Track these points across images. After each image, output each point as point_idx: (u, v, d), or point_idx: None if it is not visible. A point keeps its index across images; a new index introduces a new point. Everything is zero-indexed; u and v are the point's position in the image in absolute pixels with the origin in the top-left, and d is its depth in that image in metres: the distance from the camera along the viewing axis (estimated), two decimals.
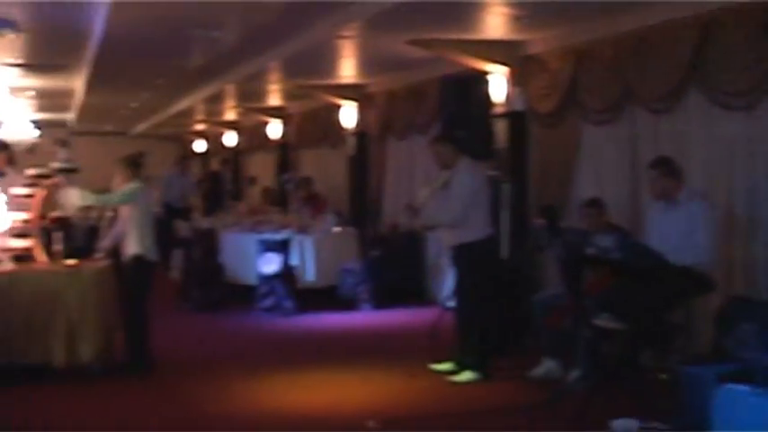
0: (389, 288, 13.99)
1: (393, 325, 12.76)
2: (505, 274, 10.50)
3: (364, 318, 13.31)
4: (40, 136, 27.95)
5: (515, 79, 11.53)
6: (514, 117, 11.55)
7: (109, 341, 9.78)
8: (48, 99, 23.42)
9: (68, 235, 11.03)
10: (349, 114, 16.83)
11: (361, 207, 16.59)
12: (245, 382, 9.50)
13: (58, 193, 10.11)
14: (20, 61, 16.72)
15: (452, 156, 9.41)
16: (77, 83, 19.55)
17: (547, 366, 9.33)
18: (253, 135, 24.74)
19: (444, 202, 9.40)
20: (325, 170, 18.96)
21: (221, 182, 19.77)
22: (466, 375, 9.33)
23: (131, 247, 9.82)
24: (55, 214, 10.27)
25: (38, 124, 27.16)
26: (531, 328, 10.48)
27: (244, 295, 13.85)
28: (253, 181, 21.05)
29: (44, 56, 16.16)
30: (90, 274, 9.72)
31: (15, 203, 10.22)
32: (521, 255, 11.03)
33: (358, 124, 16.67)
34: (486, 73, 11.59)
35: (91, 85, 17.98)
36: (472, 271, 9.38)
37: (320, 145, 19.10)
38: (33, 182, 10.30)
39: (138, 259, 9.83)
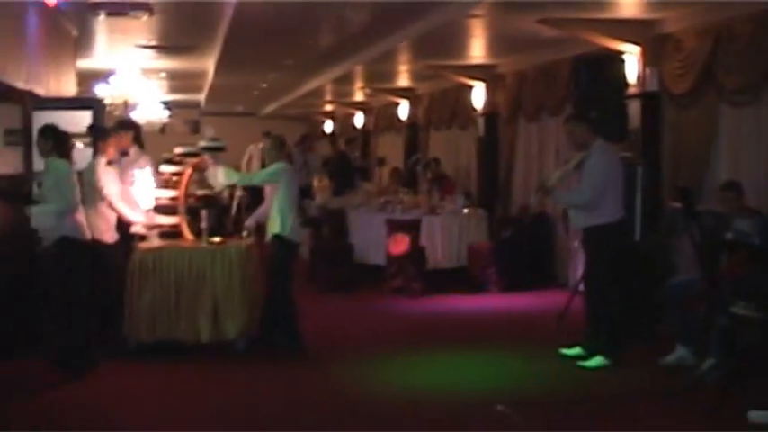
0: (518, 270, 13.83)
1: (521, 308, 12.60)
2: (638, 258, 10.24)
3: (493, 300, 13.14)
4: (171, 117, 28.44)
5: (649, 59, 11.27)
6: (648, 98, 11.30)
7: (252, 319, 9.85)
8: (179, 80, 23.81)
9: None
10: (478, 95, 16.68)
11: (490, 188, 16.44)
12: (380, 363, 9.52)
13: (206, 172, 10.16)
14: (153, 43, 17.01)
15: (587, 136, 9.22)
16: (208, 64, 19.80)
17: (679, 354, 9.10)
18: (381, 116, 24.74)
19: (577, 184, 9.24)
20: (454, 151, 18.87)
21: (348, 162, 19.74)
22: (596, 361, 9.15)
23: (274, 227, 9.88)
24: (201, 192, 10.36)
25: (169, 105, 27.56)
26: (664, 314, 10.30)
27: (372, 276, 13.86)
28: (381, 162, 20.99)
29: (176, 37, 16.41)
30: (235, 252, 9.80)
31: (162, 181, 10.47)
32: (654, 239, 10.76)
33: (487, 105, 16.50)
34: (619, 53, 11.35)
35: (221, 66, 18.16)
36: (603, 254, 9.19)
37: (449, 126, 19.00)
38: (180, 160, 10.48)
39: (279, 239, 9.88)
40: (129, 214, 9.92)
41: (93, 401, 8.21)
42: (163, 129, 30.14)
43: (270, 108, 30.90)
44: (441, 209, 14.29)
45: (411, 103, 21.72)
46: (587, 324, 9.48)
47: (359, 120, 26.98)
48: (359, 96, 24.99)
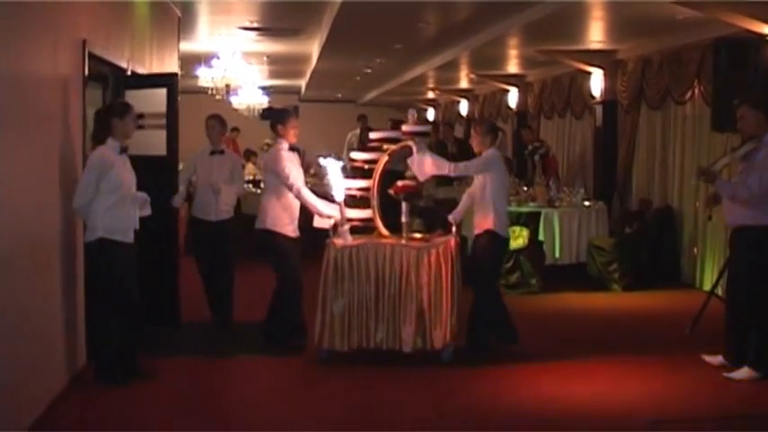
0: (642, 268, 13.05)
1: (647, 309, 11.80)
2: None
3: (617, 299, 12.39)
4: (270, 103, 28.03)
5: None
6: None
7: (459, 325, 8.87)
8: (281, 65, 23.42)
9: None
10: (596, 82, 15.90)
11: (607, 181, 15.64)
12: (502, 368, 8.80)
13: (409, 159, 9.08)
14: (256, 25, 16.49)
15: (761, 124, 8.33)
16: (313, 47, 19.30)
17: None
18: (488, 103, 24.09)
19: (742, 176, 8.39)
20: (567, 141, 18.12)
21: (465, 147, 18.95)
22: (744, 372, 8.34)
23: (485, 222, 9.05)
24: (403, 183, 9.15)
25: (268, 91, 27.14)
26: None
27: None
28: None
29: (281, 19, 15.89)
30: (443, 249, 8.75)
31: (353, 170, 9.90)
32: None
33: (606, 92, 15.71)
34: (763, 36, 10.49)
35: (327, 49, 17.58)
36: (757, 257, 8.31)
37: (562, 114, 18.26)
38: (377, 145, 9.46)
39: (490, 235, 9.04)
40: (319, 206, 9.17)
41: (286, 416, 7.53)
42: (262, 114, 29.79)
43: (370, 95, 30.43)
44: (559, 201, 13.52)
45: (520, 91, 20.97)
46: (729, 331, 8.65)
47: (463, 107, 26.36)
48: (464, 83, 24.30)
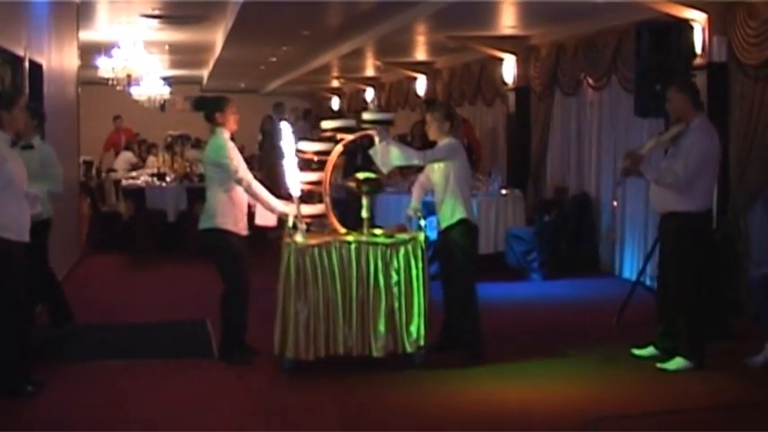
0: (561, 256, 12.86)
1: (570, 298, 11.61)
2: (715, 246, 9.25)
3: (536, 289, 12.19)
4: (171, 93, 27.47)
5: (715, 27, 10.26)
6: (715, 69, 10.29)
7: (428, 325, 8.25)
8: (183, 54, 22.90)
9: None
10: (509, 68, 15.67)
11: (521, 168, 15.44)
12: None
13: (371, 150, 8.38)
14: (159, 12, 15.99)
15: (688, 108, 8.14)
16: (217, 35, 18.83)
17: None
18: (395, 91, 23.76)
19: (669, 160, 8.18)
20: (479, 129, 17.86)
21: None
22: (676, 363, 8.12)
23: (454, 212, 8.46)
24: (362, 175, 8.43)
25: (169, 81, 26.57)
26: (743, 308, 9.56)
27: None
28: (400, 139, 19.97)
29: (184, 7, 15.42)
30: (413, 246, 8.17)
31: (305, 162, 8.70)
32: (727, 224, 9.80)
33: (519, 79, 15.48)
34: (685, 20, 10.32)
35: (232, 38, 17.15)
36: (685, 244, 8.13)
37: (473, 102, 18.00)
38: (330, 136, 8.75)
39: (464, 225, 8.50)
40: (272, 201, 8.48)
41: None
42: (163, 106, 29.23)
43: (274, 85, 29.98)
44: (475, 190, 13.19)
45: (428, 78, 20.69)
46: (660, 321, 8.44)
47: (369, 96, 26.02)
48: (370, 71, 23.93)
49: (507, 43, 15.42)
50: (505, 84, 15.89)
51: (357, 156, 11.83)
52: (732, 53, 10.13)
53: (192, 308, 10.78)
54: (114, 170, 20.33)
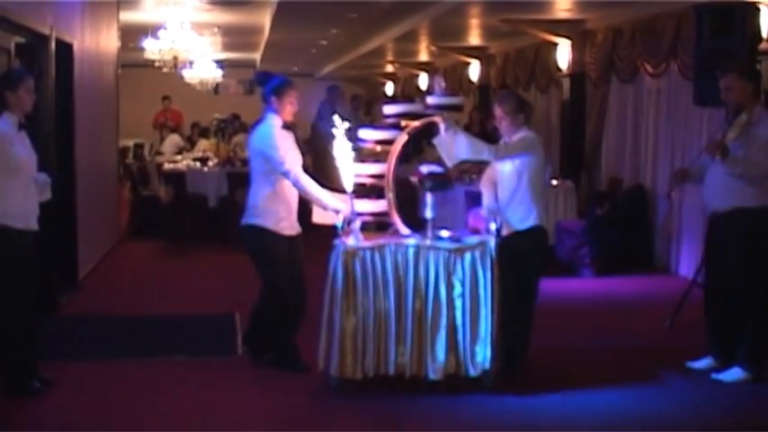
0: (614, 252, 12.24)
1: (623, 296, 11.00)
2: None
3: (587, 285, 11.58)
4: (224, 77, 27.20)
5: None
6: None
7: (497, 345, 7.09)
8: (233, 36, 22.52)
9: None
10: (563, 54, 15.06)
11: (575, 158, 14.81)
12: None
13: (435, 139, 7.44)
14: None
15: (750, 96, 7.48)
16: (265, 18, 18.39)
17: None
18: (448, 77, 23.22)
19: (742, 152, 7.41)
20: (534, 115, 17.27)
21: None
22: (734, 373, 7.50)
23: (527, 216, 7.43)
24: (426, 169, 7.45)
25: (222, 64, 26.28)
26: None
27: None
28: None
29: None
30: (481, 253, 7.04)
31: (363, 152, 7.74)
32: None
33: (573, 65, 14.86)
34: (748, 2, 9.67)
35: (278, 20, 16.70)
36: (758, 243, 7.45)
37: (526, 88, 17.40)
38: (393, 123, 7.68)
39: (537, 232, 7.48)
40: (324, 197, 7.49)
41: None
42: (216, 89, 28.99)
43: (328, 69, 29.53)
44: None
45: (482, 64, 20.11)
46: (716, 328, 7.78)
47: (423, 81, 25.51)
48: (423, 56, 23.41)
49: (562, 27, 14.79)
50: (560, 70, 15.26)
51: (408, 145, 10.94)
52: None
53: (225, 299, 10.36)
54: (161, 153, 20.06)
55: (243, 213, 7.68)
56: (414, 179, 7.68)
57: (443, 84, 7.70)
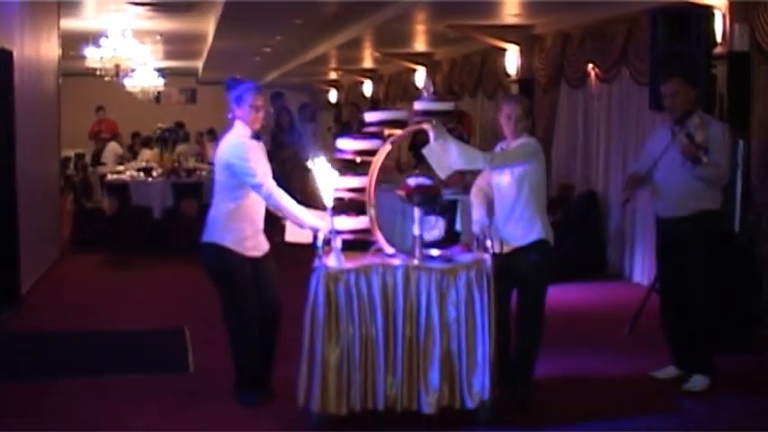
0: (566, 259, 12.09)
1: (578, 304, 10.85)
2: (736, 251, 8.58)
3: None
4: (166, 85, 26.96)
5: (737, 14, 9.55)
6: (736, 59, 9.57)
7: (496, 374, 6.52)
8: (176, 44, 22.32)
9: None
10: (511, 59, 14.95)
11: None
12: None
13: (424, 149, 6.71)
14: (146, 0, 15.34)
15: (691, 102, 7.43)
16: (208, 25, 18.16)
17: None
18: (393, 84, 23.11)
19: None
20: (479, 122, 17.16)
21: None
22: (699, 382, 7.41)
23: (530, 229, 6.87)
24: (414, 182, 6.75)
25: (163, 72, 26.02)
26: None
27: None
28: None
29: None
30: (477, 273, 6.47)
31: (343, 165, 7.02)
32: (749, 226, 9.07)
33: (522, 70, 14.76)
34: (704, 6, 9.59)
35: (222, 27, 16.48)
36: (711, 245, 7.45)
37: (473, 94, 17.30)
38: (376, 132, 7.01)
39: (542, 247, 6.91)
40: (300, 213, 6.77)
41: None
42: (158, 98, 28.72)
43: (271, 76, 29.35)
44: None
45: (428, 70, 19.99)
46: (674, 336, 7.69)
47: (367, 88, 25.37)
48: (368, 63, 23.31)
49: (510, 33, 14.71)
50: (508, 75, 15.19)
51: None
52: (755, 42, 9.41)
53: (173, 313, 10.11)
54: (103, 163, 19.70)
55: (200, 228, 7.12)
56: (400, 193, 6.83)
57: (432, 88, 7.17)
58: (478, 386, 6.41)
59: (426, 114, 6.81)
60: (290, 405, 6.59)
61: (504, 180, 6.89)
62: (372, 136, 7.00)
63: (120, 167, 17.13)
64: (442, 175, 6.77)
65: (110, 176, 15.75)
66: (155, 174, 15.34)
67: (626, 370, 8.06)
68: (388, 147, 6.86)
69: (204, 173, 15.31)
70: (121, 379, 7.80)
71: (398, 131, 6.94)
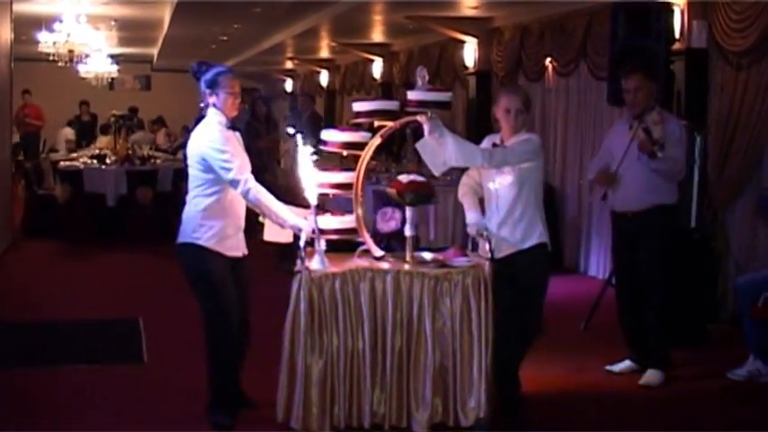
0: None
1: None
2: (692, 246, 8.66)
3: None
4: (120, 72, 26.72)
5: (695, 11, 9.59)
6: (694, 55, 9.60)
7: (493, 388, 6.12)
8: (131, 31, 21.99)
9: None
10: (469, 52, 14.94)
11: None
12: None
13: (419, 144, 6.32)
14: None
15: (651, 100, 7.47)
16: (164, 12, 17.97)
17: (753, 366, 7.51)
18: (350, 74, 23.05)
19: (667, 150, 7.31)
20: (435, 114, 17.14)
21: (321, 123, 17.71)
22: (655, 376, 7.42)
23: (530, 232, 6.42)
24: (405, 179, 6.42)
25: (117, 59, 25.75)
26: (722, 314, 9.10)
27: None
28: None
29: None
30: (474, 278, 6.03)
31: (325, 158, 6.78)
32: (705, 222, 9.12)
33: (480, 63, 14.76)
34: (664, 2, 9.60)
35: (178, 13, 16.32)
36: (670, 240, 7.51)
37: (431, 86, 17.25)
38: (365, 122, 6.53)
39: (541, 251, 6.48)
40: (281, 212, 6.18)
41: None
42: (112, 84, 28.47)
43: (227, 65, 29.10)
44: (433, 180, 12.40)
45: (385, 61, 19.94)
46: (630, 330, 7.76)
47: (324, 78, 25.28)
48: (325, 53, 23.22)
49: (468, 25, 14.71)
50: (466, 68, 15.19)
51: None
52: (713, 39, 9.43)
53: (127, 302, 10.00)
54: (56, 150, 19.52)
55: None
56: (390, 191, 6.52)
57: (427, 76, 6.61)
58: (474, 402, 6.01)
59: (422, 105, 6.28)
60: (268, 422, 6.10)
61: (503, 180, 6.40)
62: (360, 128, 6.52)
63: (74, 155, 16.97)
64: (436, 171, 6.39)
65: (62, 163, 15.60)
66: (108, 161, 15.20)
67: (582, 364, 8.03)
68: (377, 140, 6.39)
69: (159, 161, 15.18)
70: (74, 368, 7.70)
71: (389, 123, 6.41)
